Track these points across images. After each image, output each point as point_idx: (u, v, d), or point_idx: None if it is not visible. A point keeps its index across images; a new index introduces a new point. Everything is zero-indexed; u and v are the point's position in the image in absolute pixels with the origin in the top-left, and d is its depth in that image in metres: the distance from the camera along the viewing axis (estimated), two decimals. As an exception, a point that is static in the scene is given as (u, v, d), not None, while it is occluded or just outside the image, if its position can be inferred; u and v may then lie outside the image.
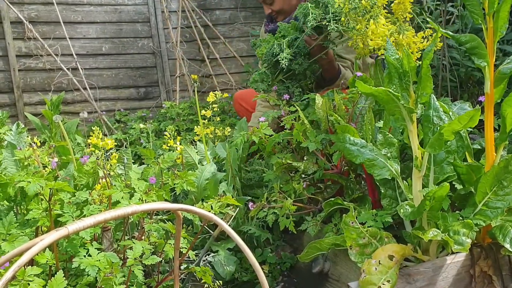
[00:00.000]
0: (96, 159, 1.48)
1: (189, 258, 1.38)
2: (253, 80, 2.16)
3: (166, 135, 2.07)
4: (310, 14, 1.91)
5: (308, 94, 2.03)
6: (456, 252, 1.33)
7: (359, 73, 1.77)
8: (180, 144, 1.96)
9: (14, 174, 1.33)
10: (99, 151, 1.52)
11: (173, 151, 1.92)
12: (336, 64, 2.28)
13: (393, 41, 1.73)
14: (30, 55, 4.09)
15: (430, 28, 1.80)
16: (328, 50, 2.12)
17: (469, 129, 1.40)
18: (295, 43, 2.06)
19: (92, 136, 1.60)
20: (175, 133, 2.10)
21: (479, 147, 1.62)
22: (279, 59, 2.00)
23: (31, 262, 1.17)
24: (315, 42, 2.06)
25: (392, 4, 1.81)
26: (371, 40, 1.72)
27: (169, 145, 1.99)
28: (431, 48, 1.28)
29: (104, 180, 1.40)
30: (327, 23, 1.88)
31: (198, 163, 2.02)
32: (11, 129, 1.83)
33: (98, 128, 1.64)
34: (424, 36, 1.76)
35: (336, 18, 1.88)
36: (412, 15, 1.81)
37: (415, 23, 3.51)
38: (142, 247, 1.19)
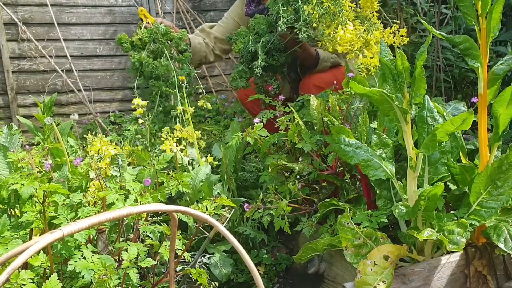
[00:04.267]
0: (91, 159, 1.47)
1: (185, 260, 1.37)
2: (233, 79, 2.22)
3: (162, 137, 2.06)
4: (281, 18, 1.95)
5: (291, 82, 2.09)
6: (451, 252, 1.33)
7: (351, 74, 1.78)
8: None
9: (7, 177, 1.32)
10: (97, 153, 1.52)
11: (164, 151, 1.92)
12: (313, 50, 2.34)
13: (363, 43, 1.77)
14: (24, 57, 4.07)
15: (397, 23, 1.86)
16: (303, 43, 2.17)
17: (463, 130, 1.41)
18: (270, 39, 2.11)
19: (89, 139, 1.59)
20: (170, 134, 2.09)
21: (473, 148, 1.63)
22: (254, 67, 2.08)
23: (25, 265, 1.16)
24: (289, 37, 2.11)
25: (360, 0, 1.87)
26: (340, 45, 1.77)
27: (163, 148, 1.98)
28: (424, 49, 1.28)
29: (98, 181, 1.40)
30: (298, 32, 1.94)
31: (189, 165, 2.01)
32: (3, 130, 1.82)
33: (95, 132, 1.63)
34: (392, 32, 1.81)
35: (307, 25, 1.93)
36: (379, 14, 1.89)
37: (409, 24, 3.53)
38: (137, 249, 1.19)
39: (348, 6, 1.81)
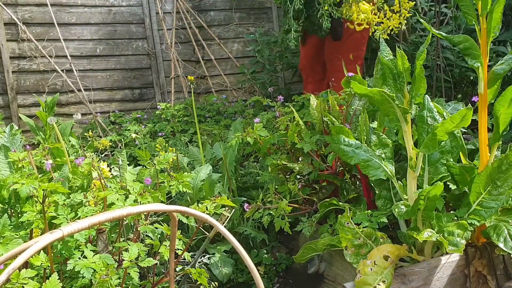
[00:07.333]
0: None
1: (185, 260, 1.37)
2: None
3: (157, 147, 2.05)
4: None
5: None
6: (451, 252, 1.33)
7: (351, 74, 1.78)
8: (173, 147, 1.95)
9: (8, 176, 1.32)
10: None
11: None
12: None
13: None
14: (24, 57, 4.07)
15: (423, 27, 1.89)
16: None
17: (463, 130, 1.41)
18: None
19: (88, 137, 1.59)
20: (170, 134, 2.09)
21: (473, 148, 1.63)
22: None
23: (26, 265, 1.16)
24: None
25: None
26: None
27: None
28: (424, 49, 1.28)
29: (99, 181, 1.40)
30: None
31: (187, 166, 2.01)
32: (5, 131, 1.82)
33: (93, 129, 1.63)
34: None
35: None
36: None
37: (409, 24, 3.53)
38: (138, 249, 1.19)
39: None
